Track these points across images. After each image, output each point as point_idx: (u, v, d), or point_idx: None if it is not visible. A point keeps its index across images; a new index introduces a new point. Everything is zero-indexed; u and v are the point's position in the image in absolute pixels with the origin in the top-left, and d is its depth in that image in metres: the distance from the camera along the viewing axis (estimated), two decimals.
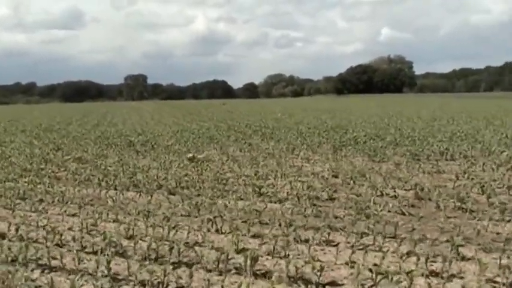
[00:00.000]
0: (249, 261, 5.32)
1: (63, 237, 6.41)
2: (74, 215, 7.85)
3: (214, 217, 7.11)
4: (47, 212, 8.00)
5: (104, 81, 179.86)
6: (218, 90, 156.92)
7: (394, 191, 8.95)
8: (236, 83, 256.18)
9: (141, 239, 6.38)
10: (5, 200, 8.69)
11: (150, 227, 6.76)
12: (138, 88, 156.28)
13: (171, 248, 5.76)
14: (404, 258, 5.40)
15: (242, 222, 7.12)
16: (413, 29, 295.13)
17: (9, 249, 5.83)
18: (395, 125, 21.78)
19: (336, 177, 10.44)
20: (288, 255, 5.75)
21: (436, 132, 18.29)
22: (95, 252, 5.92)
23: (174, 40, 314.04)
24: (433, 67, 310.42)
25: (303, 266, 5.18)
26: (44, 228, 6.94)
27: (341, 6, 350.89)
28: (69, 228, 6.97)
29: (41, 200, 8.78)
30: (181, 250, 5.76)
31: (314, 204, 8.12)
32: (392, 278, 4.82)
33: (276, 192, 9.04)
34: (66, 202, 8.63)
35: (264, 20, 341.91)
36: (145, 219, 7.32)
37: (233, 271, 5.37)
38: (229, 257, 5.46)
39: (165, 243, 6.01)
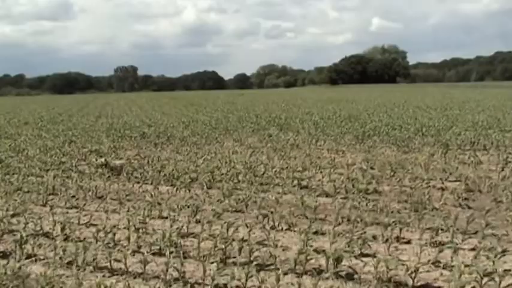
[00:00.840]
0: (331, 262, 4.90)
1: (115, 236, 5.93)
2: (114, 211, 7.38)
3: (271, 213, 6.67)
4: (84, 209, 7.50)
5: (94, 73, 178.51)
6: (209, 81, 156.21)
7: (442, 183, 8.57)
8: (227, 73, 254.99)
9: (194, 237, 5.90)
10: (36, 196, 8.18)
11: (202, 224, 6.30)
12: (128, 79, 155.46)
13: (241, 248, 5.32)
14: (498, 256, 4.98)
15: (297, 217, 6.65)
16: (403, 18, 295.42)
17: (63, 251, 5.35)
18: (409, 115, 21.37)
19: (372, 168, 10.02)
20: (370, 254, 5.33)
21: (455, 121, 17.91)
22: (155, 253, 5.45)
23: (164, 31, 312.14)
24: (423, 57, 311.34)
25: (391, 268, 4.76)
26: (86, 226, 6.50)
27: None
28: (115, 226, 6.48)
29: (72, 196, 8.26)
30: (252, 250, 5.31)
31: (365, 198, 7.70)
32: (500, 281, 4.40)
33: (319, 185, 8.62)
34: (100, 197, 8.16)
35: (254, 10, 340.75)
36: (193, 216, 6.85)
37: (310, 272, 4.93)
38: (309, 257, 5.03)
39: (227, 242, 5.54)
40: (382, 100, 36.43)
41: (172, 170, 10.04)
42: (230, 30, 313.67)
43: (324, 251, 5.30)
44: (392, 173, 9.38)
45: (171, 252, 5.28)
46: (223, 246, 5.41)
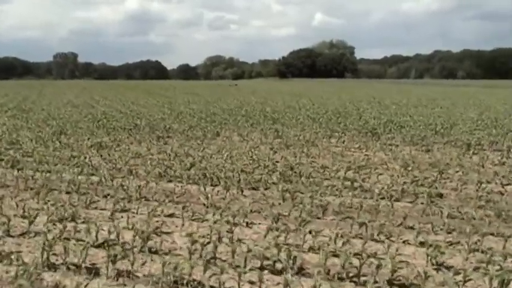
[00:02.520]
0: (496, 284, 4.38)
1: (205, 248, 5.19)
2: (171, 216, 6.58)
3: (364, 222, 6.06)
4: (136, 213, 6.65)
5: (32, 59, 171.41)
6: (151, 70, 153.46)
7: (502, 187, 8.28)
8: (170, 63, 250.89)
9: (287, 249, 5.21)
10: (77, 196, 7.22)
11: (287, 232, 5.65)
12: (68, 66, 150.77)
13: (378, 266, 4.70)
14: None
15: (383, 225, 6.07)
16: (345, 15, 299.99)
17: (175, 268, 4.55)
18: (400, 112, 21.23)
19: (406, 168, 9.58)
20: None
21: (453, 119, 17.85)
22: (262, 268, 4.76)
23: (105, 18, 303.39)
24: (364, 53, 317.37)
25: None
26: (158, 235, 5.69)
27: None
28: (189, 235, 5.69)
29: (110, 196, 7.40)
30: (387, 267, 4.70)
31: (431, 202, 7.26)
32: None
33: (370, 186, 8.11)
34: (143, 197, 7.31)
35: (198, 0, 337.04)
36: (275, 223, 6.17)
37: None
38: (467, 277, 4.48)
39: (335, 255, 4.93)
40: (350, 96, 36.39)
41: (204, 167, 9.26)
42: (173, 20, 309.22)
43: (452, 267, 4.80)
44: (440, 175, 8.96)
45: (283, 269, 4.64)
46: (351, 263, 4.77)
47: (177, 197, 7.41)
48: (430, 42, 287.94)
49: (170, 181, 8.53)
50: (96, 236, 5.49)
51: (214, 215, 6.47)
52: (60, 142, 12.03)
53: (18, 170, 8.95)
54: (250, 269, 4.66)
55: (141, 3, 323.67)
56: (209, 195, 7.37)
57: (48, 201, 7.11)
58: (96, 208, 6.91)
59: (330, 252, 5.07)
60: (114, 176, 8.59)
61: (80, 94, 37.48)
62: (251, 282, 4.46)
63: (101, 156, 10.52)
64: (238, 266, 4.75)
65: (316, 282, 4.25)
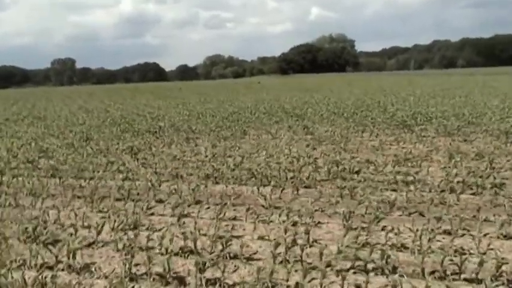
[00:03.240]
0: None
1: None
2: (235, 219, 6.34)
3: (440, 217, 5.82)
4: (198, 217, 6.41)
5: (28, 66, 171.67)
6: (150, 72, 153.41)
7: None
8: (167, 65, 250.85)
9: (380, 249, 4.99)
10: (132, 203, 6.98)
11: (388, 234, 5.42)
12: (66, 72, 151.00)
13: (481, 262, 4.46)
14: None
15: (462, 218, 5.81)
16: (341, 8, 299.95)
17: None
18: (419, 103, 20.96)
19: (451, 160, 9.32)
20: None
21: (483, 108, 17.53)
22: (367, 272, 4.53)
23: (101, 22, 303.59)
24: (362, 46, 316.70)
25: None
26: (230, 240, 5.45)
27: None
28: (261, 237, 5.49)
29: (166, 201, 7.16)
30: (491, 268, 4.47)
31: (496, 193, 7.01)
32: None
33: (424, 179, 7.86)
34: (198, 202, 7.08)
35: (194, 0, 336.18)
36: (346, 221, 5.94)
37: None
38: None
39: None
40: (361, 89, 36.08)
41: (248, 167, 9.04)
42: (169, 21, 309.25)
43: None
44: (490, 164, 8.71)
45: (376, 269, 4.43)
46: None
47: (233, 199, 7.16)
48: (427, 32, 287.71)
49: (217, 183, 8.29)
50: (171, 243, 5.26)
51: (280, 216, 6.23)
52: (92, 148, 11.78)
53: (59, 178, 8.71)
54: (354, 272, 4.43)
55: (136, 5, 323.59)
56: (267, 196, 7.12)
57: (103, 209, 6.88)
58: (154, 214, 6.67)
59: (419, 250, 4.86)
60: (160, 180, 8.37)
61: (89, 99, 37.30)
62: (357, 286, 4.22)
63: (137, 160, 10.29)
64: (340, 270, 4.51)
65: (427, 282, 4.02)
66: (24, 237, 5.69)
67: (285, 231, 5.52)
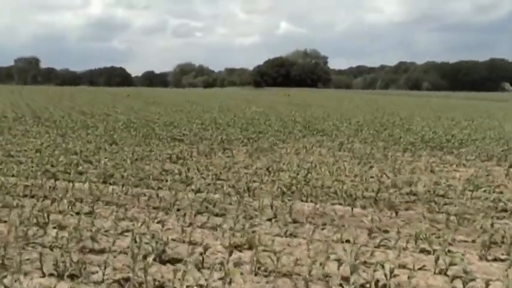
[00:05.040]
0: None
1: None
2: (345, 241, 5.84)
3: None
4: (311, 240, 5.88)
5: None
6: (116, 77, 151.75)
7: None
8: (133, 70, 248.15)
9: None
10: (232, 219, 6.38)
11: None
12: (30, 72, 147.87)
13: None
14: None
15: None
16: (310, 24, 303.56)
17: None
18: (428, 123, 20.90)
19: None
20: None
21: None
22: None
23: (68, 23, 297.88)
24: (330, 63, 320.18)
25: None
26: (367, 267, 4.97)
27: None
28: (402, 266, 5.03)
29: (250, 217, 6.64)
30: None
31: None
32: None
33: None
34: (271, 219, 6.54)
35: (163, 7, 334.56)
36: (484, 251, 5.52)
37: None
38: None
39: None
40: (352, 105, 36.05)
41: (321, 184, 8.56)
42: (137, 26, 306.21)
43: None
44: None
45: None
46: None
47: (336, 220, 6.65)
48: (394, 53, 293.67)
49: (301, 200, 7.76)
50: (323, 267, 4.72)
51: (408, 242, 5.76)
52: (133, 154, 11.07)
53: (122, 186, 8.04)
54: None
55: (105, 8, 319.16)
56: (372, 218, 6.65)
57: (194, 223, 6.29)
58: (265, 233, 6.09)
59: None
60: (241, 194, 7.80)
61: (65, 100, 36.08)
62: None
63: (188, 169, 9.67)
64: None
65: None
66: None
67: (436, 261, 5.05)
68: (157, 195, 7.47)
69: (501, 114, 31.02)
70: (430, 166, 10.84)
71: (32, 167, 9.41)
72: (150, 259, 4.62)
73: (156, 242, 5.29)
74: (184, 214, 6.56)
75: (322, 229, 6.23)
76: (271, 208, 6.91)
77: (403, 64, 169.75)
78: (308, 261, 4.89)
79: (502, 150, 12.88)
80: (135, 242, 5.27)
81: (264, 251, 5.35)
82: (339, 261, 4.81)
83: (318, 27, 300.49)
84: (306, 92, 74.33)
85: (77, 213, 6.57)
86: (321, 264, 4.80)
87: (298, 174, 9.42)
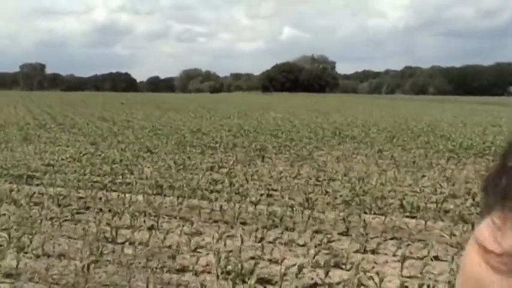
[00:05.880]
0: None
1: None
2: (436, 258, 5.53)
3: None
4: (394, 256, 5.59)
5: None
6: (121, 82, 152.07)
7: None
8: (138, 76, 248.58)
9: None
10: (308, 235, 6.09)
11: None
12: (36, 77, 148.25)
13: None
14: None
15: None
16: (314, 28, 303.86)
17: None
18: (459, 131, 20.51)
19: None
20: None
21: None
22: None
23: (72, 29, 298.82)
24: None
25: None
26: None
27: (245, 3, 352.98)
28: None
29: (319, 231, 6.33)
30: None
31: None
32: None
33: None
34: (346, 232, 6.24)
35: (167, 12, 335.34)
36: None
37: None
38: None
39: None
40: (373, 113, 35.68)
41: (381, 195, 8.24)
42: (141, 32, 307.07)
43: None
44: None
45: None
46: None
47: (415, 234, 6.34)
48: (398, 58, 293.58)
49: (365, 212, 7.45)
50: None
51: None
52: (175, 163, 10.80)
53: (177, 197, 7.76)
54: None
55: (109, 14, 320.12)
56: (451, 232, 6.34)
57: (279, 239, 5.99)
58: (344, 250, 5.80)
59: None
60: (304, 206, 7.50)
61: (80, 107, 35.89)
62: None
63: (232, 180, 9.38)
64: None
65: None
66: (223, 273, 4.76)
67: None
68: (220, 207, 7.16)
69: None
70: (479, 175, 10.50)
71: (78, 177, 9.15)
72: (252, 281, 4.32)
73: (240, 261, 5.02)
74: (257, 229, 6.25)
75: (408, 245, 5.90)
76: (344, 221, 6.59)
77: (408, 69, 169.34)
78: (414, 283, 4.58)
79: None
80: (218, 261, 4.98)
81: (350, 269, 5.07)
82: (449, 283, 4.51)
83: (321, 32, 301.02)
84: (317, 98, 73.96)
85: (140, 227, 6.29)
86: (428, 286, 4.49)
87: (352, 184, 9.09)
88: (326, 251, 5.52)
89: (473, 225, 6.72)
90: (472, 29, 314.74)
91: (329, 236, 6.17)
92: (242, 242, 5.71)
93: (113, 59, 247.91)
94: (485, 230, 0.51)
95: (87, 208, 7.28)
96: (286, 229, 6.44)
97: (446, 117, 30.00)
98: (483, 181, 0.53)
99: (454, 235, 6.28)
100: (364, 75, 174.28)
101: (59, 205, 7.31)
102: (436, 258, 5.54)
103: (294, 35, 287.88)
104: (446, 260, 5.44)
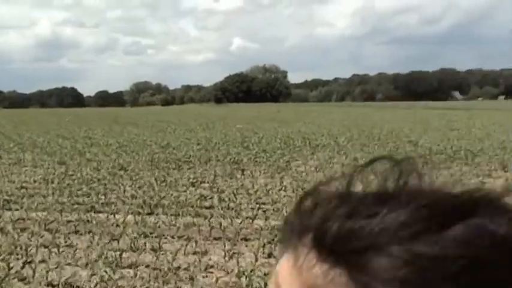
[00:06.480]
0: None
1: None
2: None
3: None
4: None
5: None
6: (67, 97, 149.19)
7: None
8: (85, 90, 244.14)
9: None
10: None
11: None
12: None
13: None
14: None
15: None
16: (263, 39, 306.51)
17: None
18: (421, 137, 20.83)
19: None
20: None
21: None
22: None
23: (14, 44, 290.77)
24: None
25: None
26: None
27: (194, 14, 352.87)
28: None
29: None
30: None
31: None
32: None
33: None
34: None
35: (114, 25, 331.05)
36: None
37: None
38: None
39: None
40: (342, 122, 35.95)
41: None
42: (87, 45, 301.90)
43: None
44: None
45: None
46: None
47: None
48: (347, 65, 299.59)
49: None
50: None
51: None
52: (156, 180, 10.52)
53: (171, 215, 7.55)
54: None
55: (53, 28, 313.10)
56: None
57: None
58: None
59: None
60: None
61: (32, 124, 34.74)
62: None
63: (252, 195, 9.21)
64: None
65: None
66: None
67: None
68: (220, 224, 6.97)
69: (471, 122, 31.22)
70: (459, 178, 10.64)
71: (58, 199, 8.77)
72: None
73: (261, 279, 4.86)
74: (264, 245, 6.10)
75: None
76: None
77: (356, 76, 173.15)
78: None
79: None
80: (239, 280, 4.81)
81: None
82: None
83: (270, 42, 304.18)
84: (272, 107, 74.22)
85: (144, 249, 6.04)
86: None
87: None
88: None
89: None
90: (416, 36, 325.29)
91: None
92: (256, 259, 5.53)
93: (58, 73, 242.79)
94: (284, 267, 0.48)
95: (77, 232, 6.95)
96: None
97: (405, 122, 30.58)
98: (291, 211, 0.50)
99: None
100: (314, 84, 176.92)
101: (48, 230, 6.95)
102: None
103: (243, 45, 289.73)
104: None
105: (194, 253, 5.97)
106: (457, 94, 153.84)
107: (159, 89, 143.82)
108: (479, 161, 12.90)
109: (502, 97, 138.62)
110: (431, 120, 32.76)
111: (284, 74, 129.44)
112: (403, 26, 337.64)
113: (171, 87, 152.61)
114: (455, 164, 12.63)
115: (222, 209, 8.11)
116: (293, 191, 9.45)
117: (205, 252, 5.97)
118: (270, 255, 5.88)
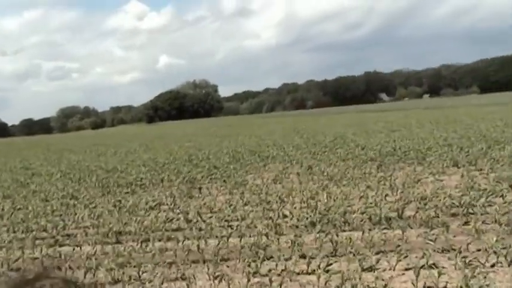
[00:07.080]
0: None
1: None
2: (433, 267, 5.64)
3: None
4: None
5: None
6: None
7: None
8: (9, 119, 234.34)
9: None
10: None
11: None
12: None
13: None
14: None
15: None
16: (189, 55, 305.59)
17: None
18: (369, 140, 21.27)
19: None
20: None
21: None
22: None
23: None
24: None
25: None
26: None
27: (118, 35, 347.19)
28: None
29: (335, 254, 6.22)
30: None
31: None
32: None
33: None
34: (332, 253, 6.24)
35: (35, 51, 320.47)
36: None
37: None
38: None
39: None
40: (283, 131, 36.12)
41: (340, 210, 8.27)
42: (8, 73, 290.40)
43: None
44: None
45: None
46: None
47: (400, 246, 6.39)
48: (275, 75, 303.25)
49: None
50: None
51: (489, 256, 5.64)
52: (115, 206, 10.15)
53: (142, 242, 7.28)
54: None
55: None
56: (436, 237, 6.48)
57: (271, 272, 5.76)
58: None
59: None
60: (266, 234, 7.32)
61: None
62: None
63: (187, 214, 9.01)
64: None
65: None
66: None
67: None
68: (198, 247, 6.77)
69: (407, 122, 32.20)
70: (417, 178, 10.84)
71: (15, 236, 8.28)
72: None
73: None
74: (249, 264, 5.98)
75: (405, 257, 5.92)
76: (331, 243, 6.51)
77: (286, 85, 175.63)
78: None
79: (467, 156, 13.25)
80: None
81: None
82: None
83: (198, 58, 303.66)
84: (205, 123, 73.90)
85: (130, 281, 5.77)
86: None
87: (306, 204, 9.08)
88: (332, 275, 5.38)
89: (447, 228, 6.91)
90: (339, 42, 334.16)
91: (323, 259, 6.04)
92: (249, 280, 5.40)
93: None
94: None
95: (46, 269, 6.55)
96: (270, 258, 6.22)
97: (345, 127, 31.20)
98: None
99: (432, 241, 6.42)
100: (245, 96, 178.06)
101: (13, 270, 6.52)
102: (433, 266, 5.60)
103: (170, 63, 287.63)
104: (445, 267, 5.54)
105: (177, 279, 5.78)
106: (384, 96, 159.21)
107: (87, 112, 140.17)
108: (430, 159, 13.22)
109: (426, 95, 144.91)
110: (368, 123, 33.59)
111: (215, 88, 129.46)
112: (325, 33, 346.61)
113: (100, 110, 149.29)
114: (407, 165, 12.94)
115: (191, 230, 7.92)
116: (257, 205, 9.38)
117: (193, 277, 5.76)
118: (255, 273, 5.77)
